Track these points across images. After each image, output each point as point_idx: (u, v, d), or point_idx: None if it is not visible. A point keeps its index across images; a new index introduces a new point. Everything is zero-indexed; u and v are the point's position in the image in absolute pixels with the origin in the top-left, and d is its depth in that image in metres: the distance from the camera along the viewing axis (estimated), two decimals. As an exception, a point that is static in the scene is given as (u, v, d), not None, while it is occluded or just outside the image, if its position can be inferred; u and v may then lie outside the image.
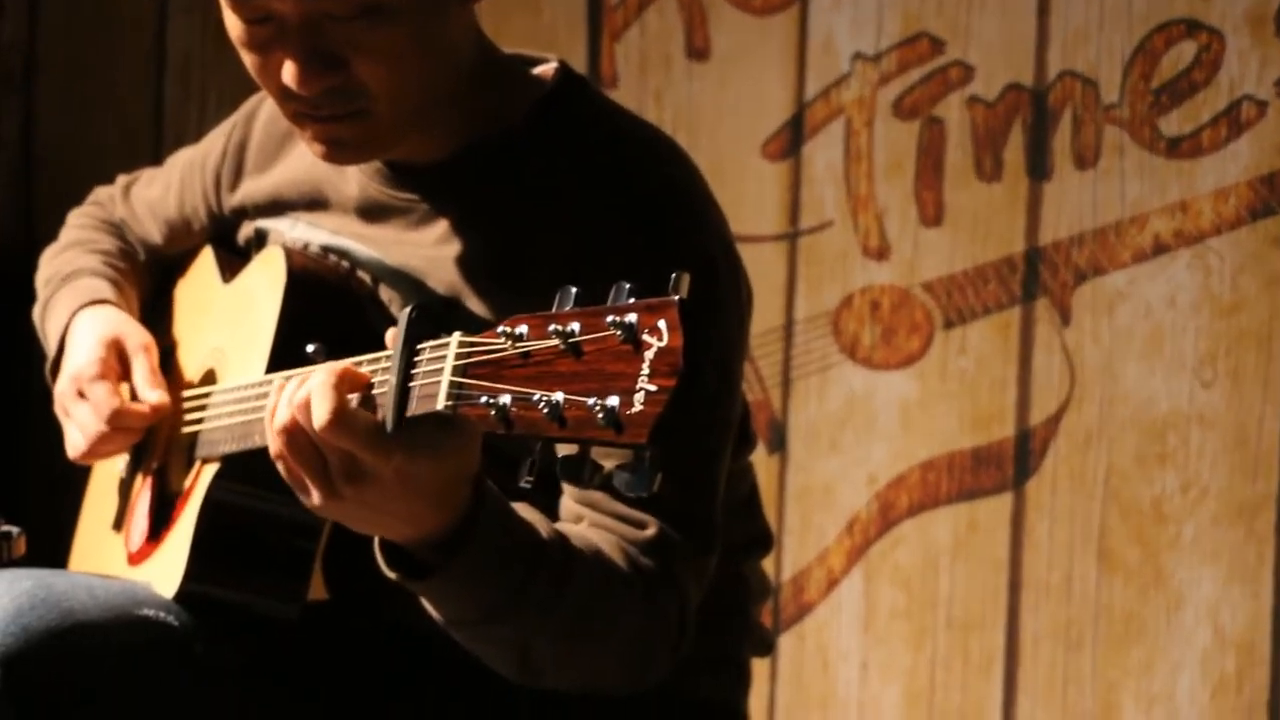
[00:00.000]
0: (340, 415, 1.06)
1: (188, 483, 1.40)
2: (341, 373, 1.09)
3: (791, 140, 2.05)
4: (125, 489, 1.53)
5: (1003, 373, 1.98)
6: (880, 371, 2.02)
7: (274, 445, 1.12)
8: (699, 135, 2.07)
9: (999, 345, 1.98)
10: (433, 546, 1.13)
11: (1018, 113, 1.95)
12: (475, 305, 1.30)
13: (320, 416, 1.06)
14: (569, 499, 1.27)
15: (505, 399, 0.98)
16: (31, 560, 1.33)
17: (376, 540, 1.15)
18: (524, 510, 1.18)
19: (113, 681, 1.27)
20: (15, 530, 1.33)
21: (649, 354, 0.93)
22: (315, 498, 1.11)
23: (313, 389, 1.08)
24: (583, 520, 1.25)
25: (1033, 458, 1.96)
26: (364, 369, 1.12)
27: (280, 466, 1.13)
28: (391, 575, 1.15)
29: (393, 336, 1.09)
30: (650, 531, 1.24)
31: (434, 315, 1.08)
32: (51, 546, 1.55)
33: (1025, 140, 1.94)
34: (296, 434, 1.09)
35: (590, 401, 0.94)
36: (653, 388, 0.92)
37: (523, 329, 0.99)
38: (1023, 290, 1.96)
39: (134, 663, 1.29)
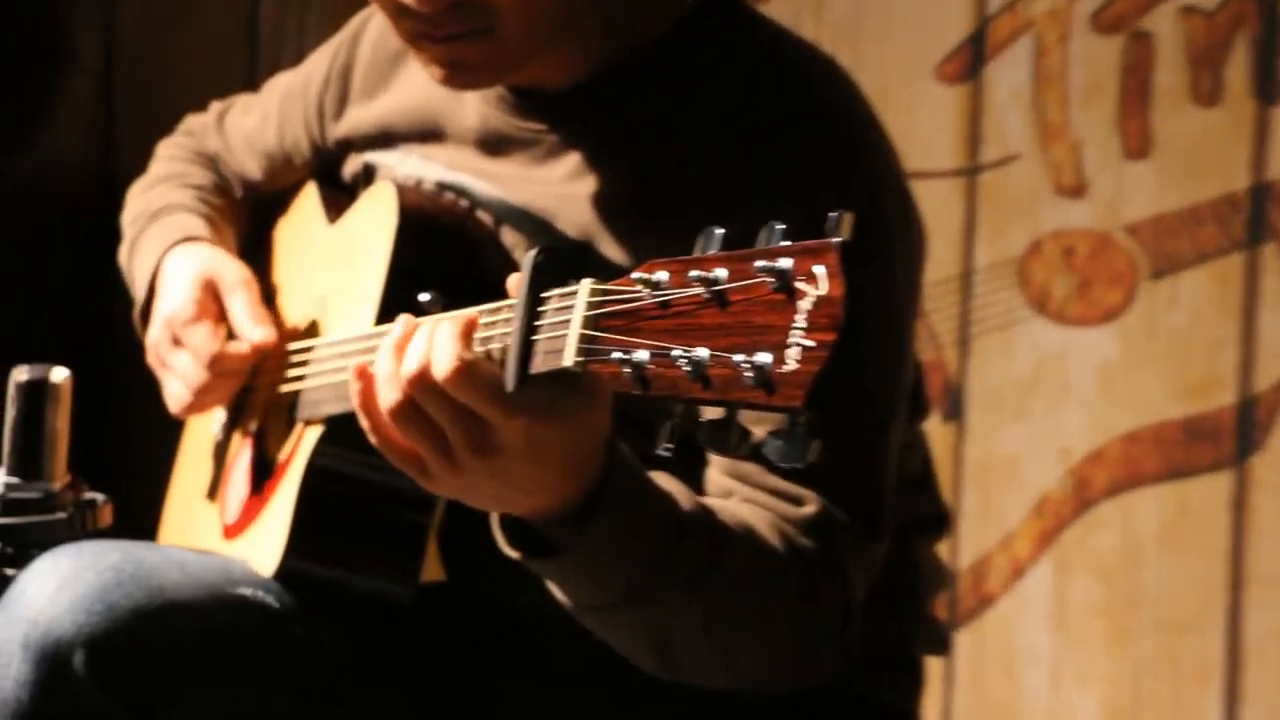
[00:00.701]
0: (468, 368, 1.06)
1: (288, 447, 1.43)
2: (466, 323, 1.11)
3: (971, 60, 2.03)
4: (220, 454, 1.57)
5: (1221, 330, 1.94)
6: (1075, 328, 2.00)
7: (380, 411, 1.11)
8: (864, 55, 2.06)
9: (1217, 298, 1.95)
10: (559, 521, 1.14)
11: (1242, 24, 1.91)
12: (609, 249, 1.31)
13: (443, 368, 1.07)
14: (715, 471, 1.27)
15: (641, 355, 0.98)
16: (117, 531, 1.37)
17: (495, 517, 1.17)
18: (664, 480, 1.18)
19: (206, 666, 1.31)
20: (100, 497, 1.37)
21: (805, 304, 0.93)
22: (434, 470, 1.11)
23: (434, 341, 1.09)
24: (732, 495, 1.26)
25: (1257, 430, 1.93)
26: (482, 320, 1.13)
27: (378, 440, 1.12)
28: (513, 555, 1.16)
29: (515, 283, 1.10)
30: (810, 509, 1.24)
31: (562, 259, 1.09)
32: (138, 516, 1.60)
33: (1251, 57, 1.91)
34: (407, 400, 1.10)
35: (737, 358, 0.94)
36: (809, 343, 0.92)
37: (661, 275, 0.99)
38: (1246, 233, 1.93)
39: (229, 646, 1.32)
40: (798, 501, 1.24)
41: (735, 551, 1.19)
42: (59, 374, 1.35)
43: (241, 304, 1.49)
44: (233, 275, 1.51)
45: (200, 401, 1.49)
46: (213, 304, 1.49)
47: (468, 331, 1.09)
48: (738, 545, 1.19)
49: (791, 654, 1.24)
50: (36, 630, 1.26)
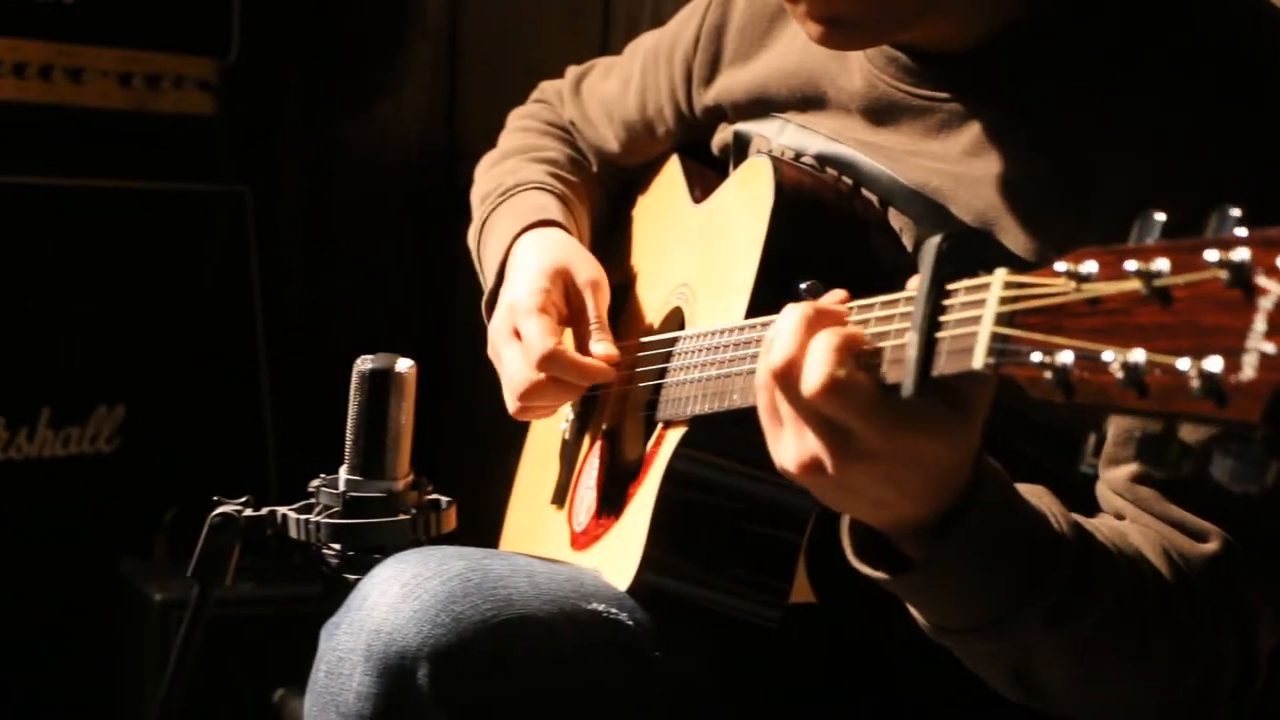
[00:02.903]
0: (838, 385, 1.08)
1: (646, 450, 1.46)
2: (844, 337, 1.10)
3: None
4: (569, 455, 1.62)
5: None
6: None
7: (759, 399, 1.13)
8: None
9: None
10: (915, 534, 1.15)
11: None
12: (1013, 238, 1.30)
13: (812, 382, 1.09)
14: (1108, 490, 1.27)
15: (1065, 357, 0.98)
16: (461, 537, 1.42)
17: (845, 523, 1.18)
18: (1035, 498, 1.18)
19: (555, 687, 1.35)
20: (444, 499, 1.41)
21: (1265, 303, 0.91)
22: (791, 463, 1.12)
23: (809, 350, 1.09)
24: (1122, 519, 1.26)
25: None
26: (875, 313, 1.13)
27: (765, 417, 1.14)
28: (861, 567, 1.18)
29: (915, 279, 1.10)
30: (1210, 546, 1.23)
31: (968, 247, 1.09)
32: (481, 520, 1.64)
33: None
34: (772, 395, 1.11)
35: (1181, 364, 0.92)
36: (1269, 349, 0.90)
37: (1090, 266, 0.98)
38: None
39: (580, 667, 1.36)
40: (1199, 537, 1.23)
41: (1112, 584, 1.19)
42: (404, 364, 1.40)
43: (590, 311, 1.52)
44: (585, 272, 1.54)
45: (527, 404, 1.51)
46: (561, 300, 1.53)
47: (844, 345, 1.10)
48: (1116, 576, 1.19)
49: (1178, 705, 1.23)
50: (379, 640, 1.31)
